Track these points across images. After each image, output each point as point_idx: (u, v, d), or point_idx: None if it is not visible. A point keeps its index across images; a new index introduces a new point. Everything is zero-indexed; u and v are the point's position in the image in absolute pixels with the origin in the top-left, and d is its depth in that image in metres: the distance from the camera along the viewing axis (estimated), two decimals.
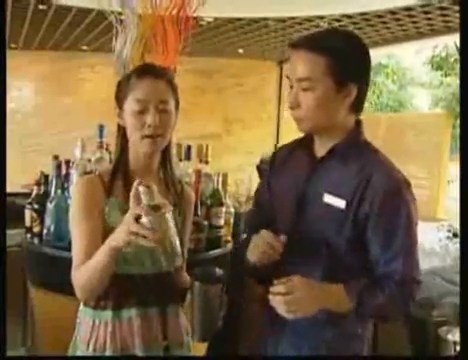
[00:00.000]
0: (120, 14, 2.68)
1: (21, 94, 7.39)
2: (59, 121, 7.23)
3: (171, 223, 1.31)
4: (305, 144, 1.57)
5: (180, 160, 2.70)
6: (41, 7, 4.60)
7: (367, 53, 1.47)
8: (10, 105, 7.35)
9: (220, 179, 2.60)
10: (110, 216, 1.49)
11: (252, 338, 1.70)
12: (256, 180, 3.62)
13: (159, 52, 2.64)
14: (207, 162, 2.73)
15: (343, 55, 1.41)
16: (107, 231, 1.44)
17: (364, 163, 1.45)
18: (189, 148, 2.65)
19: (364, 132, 1.53)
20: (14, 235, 2.89)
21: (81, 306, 1.58)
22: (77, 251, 1.48)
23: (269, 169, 1.69)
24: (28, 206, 2.57)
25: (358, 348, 1.55)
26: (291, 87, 1.47)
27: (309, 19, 4.68)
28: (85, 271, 1.43)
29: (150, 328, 1.53)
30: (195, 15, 2.76)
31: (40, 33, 5.96)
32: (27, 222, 2.57)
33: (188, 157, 2.65)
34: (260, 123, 8.01)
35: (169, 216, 1.30)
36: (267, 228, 1.53)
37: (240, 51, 6.99)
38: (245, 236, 1.75)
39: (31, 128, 7.28)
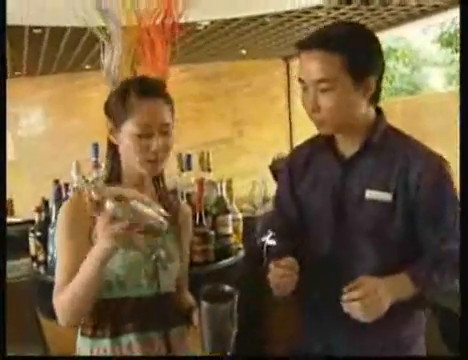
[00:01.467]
0: (105, 29, 2.63)
1: (29, 121, 7.42)
2: (69, 143, 7.22)
3: (143, 207, 1.22)
4: (326, 145, 1.52)
5: (182, 170, 2.63)
6: (36, 31, 4.57)
7: (377, 41, 1.44)
8: (19, 132, 7.39)
9: (223, 186, 2.52)
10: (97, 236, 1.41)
11: (282, 340, 1.66)
12: (271, 181, 3.52)
13: (148, 62, 2.58)
14: (210, 169, 2.67)
15: (357, 49, 1.37)
16: None
17: (398, 150, 1.45)
18: (189, 158, 2.58)
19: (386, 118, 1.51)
20: (23, 265, 2.84)
21: (79, 336, 1.51)
22: (60, 271, 1.41)
23: (288, 174, 1.63)
24: (31, 234, 2.53)
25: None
26: (304, 89, 1.41)
27: (307, 11, 4.55)
28: (68, 291, 1.35)
29: (152, 353, 1.45)
30: (182, 21, 2.70)
31: (41, 57, 5.95)
32: (32, 251, 2.53)
33: (188, 167, 2.57)
34: (272, 121, 7.89)
35: (136, 203, 1.22)
36: (287, 231, 1.57)
37: (243, 52, 6.89)
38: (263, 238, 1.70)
39: (42, 153, 7.28)
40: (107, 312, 1.43)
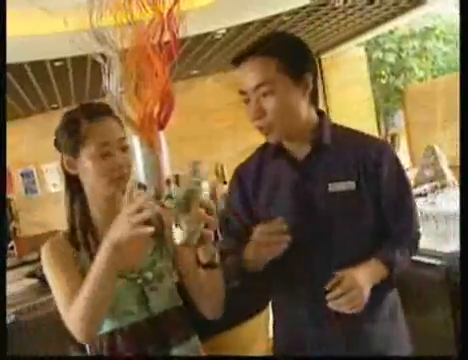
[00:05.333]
0: (104, 54, 2.60)
1: None
2: None
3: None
4: (276, 152, 1.53)
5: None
6: (57, 64, 4.66)
7: (305, 44, 1.50)
8: None
9: None
10: (85, 270, 1.33)
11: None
12: None
13: (151, 80, 2.53)
14: (225, 182, 2.61)
15: (288, 50, 1.43)
16: None
17: (350, 145, 1.49)
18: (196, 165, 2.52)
19: (329, 119, 1.55)
20: None
21: None
22: (61, 298, 1.33)
23: (237, 190, 1.58)
24: None
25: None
26: (247, 101, 1.44)
27: (323, 4, 4.44)
28: (79, 301, 1.27)
29: None
30: (184, 35, 2.65)
31: (71, 87, 6.09)
32: None
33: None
34: None
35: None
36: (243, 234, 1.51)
37: None
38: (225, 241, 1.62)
39: None
40: (101, 347, 1.39)
